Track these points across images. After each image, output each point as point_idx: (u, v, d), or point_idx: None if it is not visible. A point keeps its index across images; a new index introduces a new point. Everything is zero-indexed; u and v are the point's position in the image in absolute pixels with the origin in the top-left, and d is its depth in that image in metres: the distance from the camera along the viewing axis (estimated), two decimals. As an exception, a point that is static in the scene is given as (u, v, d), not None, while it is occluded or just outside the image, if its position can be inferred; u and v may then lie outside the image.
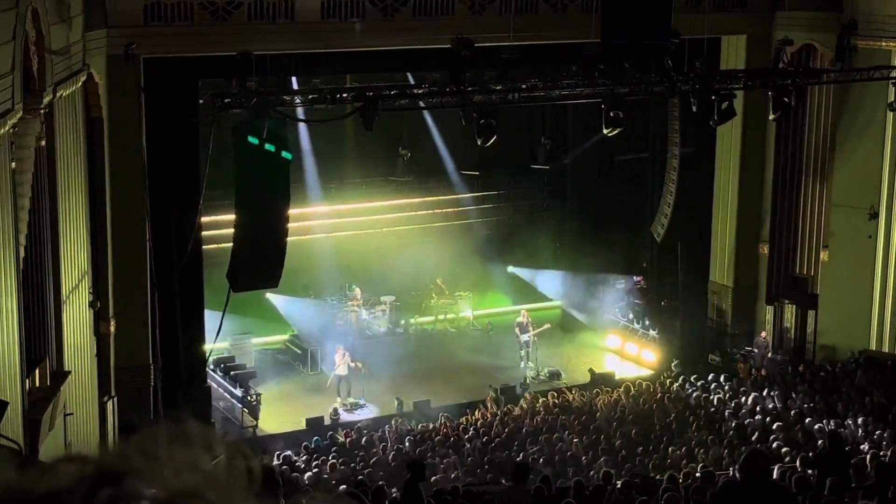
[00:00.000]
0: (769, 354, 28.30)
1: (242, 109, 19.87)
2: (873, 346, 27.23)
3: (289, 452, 22.18)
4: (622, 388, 25.59)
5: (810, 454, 17.44)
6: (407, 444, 22.04)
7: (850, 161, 27.43)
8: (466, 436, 22.49)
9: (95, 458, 1.21)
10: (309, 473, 18.99)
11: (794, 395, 24.03)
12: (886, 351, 26.99)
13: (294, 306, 30.02)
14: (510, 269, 33.00)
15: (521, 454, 20.32)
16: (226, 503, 1.22)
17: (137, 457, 1.21)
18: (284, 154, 20.32)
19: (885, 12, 25.92)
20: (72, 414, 18.29)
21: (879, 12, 25.96)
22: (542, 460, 19.98)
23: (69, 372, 18.27)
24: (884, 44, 25.99)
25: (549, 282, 32.73)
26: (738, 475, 9.14)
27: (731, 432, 21.41)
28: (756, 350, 28.35)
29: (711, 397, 24.48)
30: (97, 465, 1.20)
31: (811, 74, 26.00)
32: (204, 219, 23.70)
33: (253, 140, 19.83)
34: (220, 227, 25.61)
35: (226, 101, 19.75)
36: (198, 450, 1.36)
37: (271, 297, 29.28)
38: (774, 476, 12.78)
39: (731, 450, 19.75)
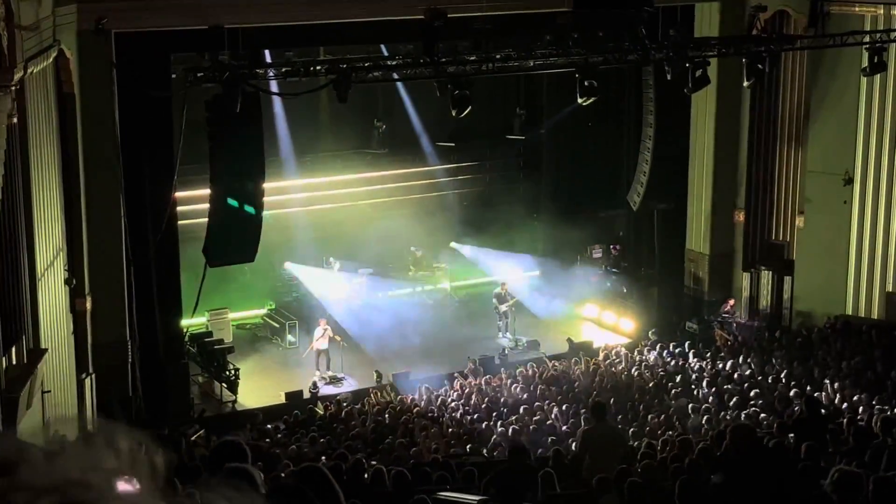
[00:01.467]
0: (738, 320, 28.43)
1: (215, 83, 19.74)
2: (849, 312, 27.39)
3: (269, 426, 22.20)
4: (600, 357, 25.68)
5: (787, 419, 17.54)
6: (387, 416, 22.07)
7: (825, 127, 27.50)
8: (446, 407, 22.53)
9: None
10: (291, 447, 19.00)
11: (771, 362, 24.15)
12: (862, 316, 27.15)
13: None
14: (479, 249, 32.80)
15: (505, 426, 20.38)
16: (115, 495, 1.21)
17: (34, 450, 1.19)
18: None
19: (858, -23, 25.94)
20: (49, 392, 18.23)
21: (852, -22, 25.97)
22: (520, 430, 20.03)
23: (46, 349, 18.21)
24: (857, 9, 26.01)
25: (526, 251, 32.72)
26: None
27: (710, 399, 21.51)
28: (729, 316, 28.46)
29: (689, 364, 24.59)
30: None
31: (785, 41, 25.99)
32: (178, 194, 23.59)
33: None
34: (195, 202, 25.50)
35: (198, 75, 19.62)
36: (98, 445, 1.34)
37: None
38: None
39: (710, 417, 19.84)
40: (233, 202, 21.09)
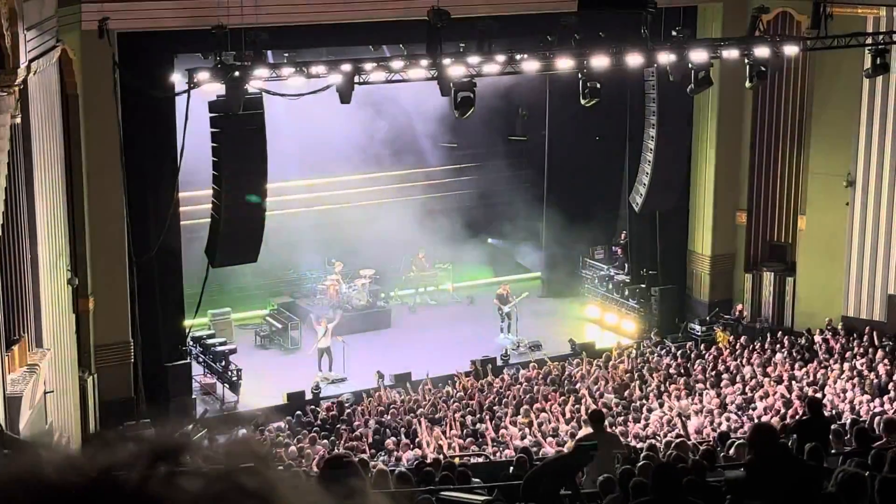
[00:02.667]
0: (746, 323, 28.44)
1: (218, 84, 19.75)
2: (851, 313, 27.39)
3: (275, 425, 22.20)
4: (602, 358, 25.68)
5: (790, 421, 17.55)
6: (389, 416, 22.08)
7: (827, 129, 27.50)
8: (448, 407, 22.53)
9: (152, 436, 1.22)
10: (292, 448, 19.02)
11: (772, 363, 24.16)
12: (864, 317, 27.15)
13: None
14: (489, 240, 32.95)
15: (507, 427, 20.40)
16: (282, 481, 1.24)
17: (191, 435, 1.22)
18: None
19: (861, -21, 25.95)
20: (52, 392, 18.25)
21: (855, -21, 25.98)
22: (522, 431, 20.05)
23: (48, 350, 18.23)
24: (859, 10, 26.02)
25: (529, 253, 32.72)
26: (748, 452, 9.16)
27: (712, 401, 21.52)
28: (733, 319, 28.48)
29: (691, 366, 24.59)
30: (154, 441, 1.20)
31: (787, 42, 25.97)
32: (181, 194, 23.60)
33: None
34: (197, 203, 25.48)
35: (202, 75, 19.63)
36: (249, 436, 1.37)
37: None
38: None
39: (712, 419, 19.86)
40: (235, 202, 21.07)
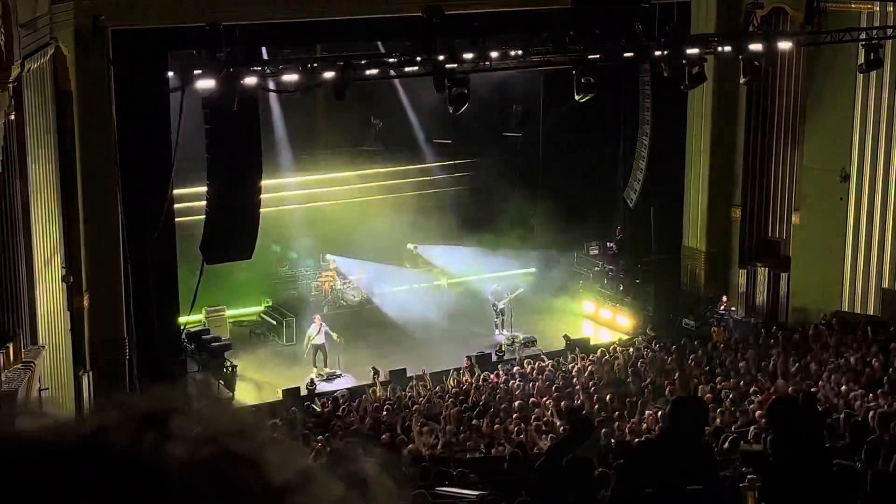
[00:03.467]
0: (734, 316, 28.49)
1: (212, 80, 19.75)
2: (845, 307, 27.44)
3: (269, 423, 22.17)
4: (597, 354, 25.69)
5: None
6: (384, 413, 22.09)
7: (822, 124, 27.53)
8: (443, 403, 22.54)
9: (139, 401, 1.22)
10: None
11: (767, 358, 24.19)
12: (858, 311, 27.20)
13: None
14: (476, 246, 32.78)
15: (503, 424, 20.40)
16: (272, 444, 1.25)
17: (179, 399, 1.23)
18: None
19: (854, -26, 25.98)
20: (47, 389, 18.24)
21: (848, -26, 26.01)
22: (517, 427, 20.06)
23: (43, 347, 18.22)
24: (853, 6, 26.05)
25: (522, 248, 32.73)
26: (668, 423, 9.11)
27: (707, 395, 21.54)
28: (725, 312, 28.52)
29: (686, 361, 24.61)
30: (141, 407, 1.21)
31: (781, 37, 26.01)
32: (176, 191, 23.61)
33: None
34: (192, 200, 25.49)
35: (196, 72, 19.63)
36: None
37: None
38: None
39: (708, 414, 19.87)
40: (230, 199, 21.03)
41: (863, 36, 24.59)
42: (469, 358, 25.92)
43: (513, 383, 23.63)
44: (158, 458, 1.15)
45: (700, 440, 8.56)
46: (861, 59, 24.64)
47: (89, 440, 1.16)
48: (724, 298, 28.86)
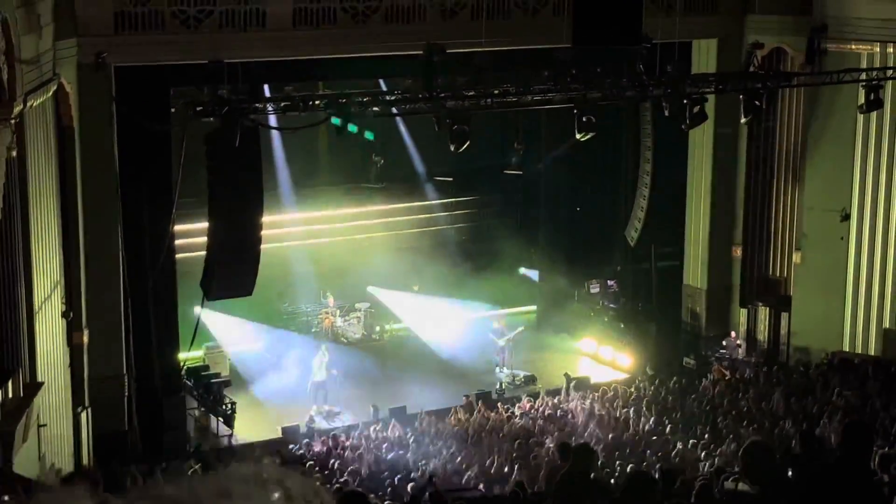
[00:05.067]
0: (741, 355, 28.43)
1: (214, 117, 19.76)
2: (846, 348, 27.37)
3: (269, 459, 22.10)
4: (598, 393, 25.61)
5: (785, 455, 17.48)
6: (384, 450, 22.01)
7: (822, 163, 27.57)
8: (443, 441, 22.45)
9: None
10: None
11: (768, 397, 24.10)
12: (859, 352, 27.13)
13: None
14: (477, 283, 32.72)
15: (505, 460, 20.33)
16: None
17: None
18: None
19: (854, 15, 26.08)
20: (45, 425, 18.19)
21: (848, 15, 26.11)
22: (517, 466, 19.98)
23: (42, 383, 18.18)
24: (853, 46, 26.14)
25: (524, 286, 32.70)
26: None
27: (707, 435, 21.46)
28: (727, 351, 28.47)
29: (686, 400, 24.53)
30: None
31: (782, 77, 26.10)
32: (177, 227, 23.60)
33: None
34: (193, 236, 25.49)
35: (198, 109, 19.64)
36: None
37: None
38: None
39: (708, 453, 19.79)
40: (230, 235, 21.01)
41: (863, 76, 24.64)
42: (467, 396, 25.85)
43: (514, 421, 23.55)
44: None
45: (869, 466, 8.54)
46: (861, 100, 24.69)
47: None
48: (733, 335, 28.84)
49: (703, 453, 19.70)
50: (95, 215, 22.08)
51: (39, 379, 18.17)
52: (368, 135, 20.02)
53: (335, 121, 20.04)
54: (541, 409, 24.56)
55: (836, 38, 26.05)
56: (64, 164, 21.04)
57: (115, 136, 22.24)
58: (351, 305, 30.70)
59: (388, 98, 21.88)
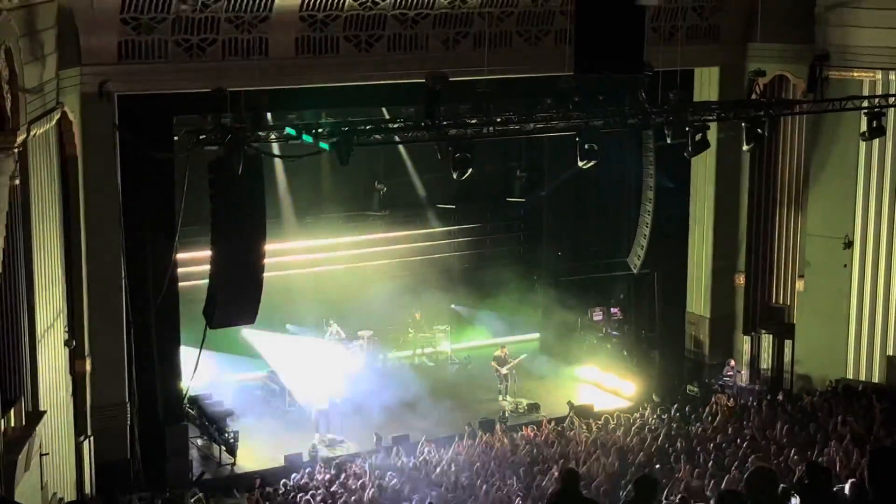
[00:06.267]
0: (742, 382, 28.40)
1: (217, 146, 19.78)
2: (850, 375, 27.33)
3: (269, 489, 22.06)
4: (601, 421, 25.55)
5: (790, 484, 17.41)
6: (387, 479, 21.94)
7: (825, 191, 27.59)
8: (444, 471, 22.38)
9: None
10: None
11: (772, 425, 24.03)
12: (863, 379, 27.08)
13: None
14: (480, 311, 32.66)
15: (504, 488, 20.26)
16: None
17: None
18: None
19: (856, 43, 26.15)
20: (47, 454, 18.14)
21: (850, 43, 26.18)
22: (520, 495, 19.92)
23: (44, 412, 18.14)
24: (855, 74, 26.20)
25: (526, 314, 32.65)
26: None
27: (711, 464, 21.38)
28: (729, 378, 28.43)
29: (690, 428, 24.46)
30: None
31: (784, 105, 26.12)
32: (180, 255, 23.62)
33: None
34: (196, 264, 25.48)
35: (201, 137, 19.67)
36: None
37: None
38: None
39: (710, 481, 19.72)
40: (233, 263, 20.99)
41: (865, 104, 24.69)
42: (469, 425, 25.76)
43: (517, 449, 23.48)
44: None
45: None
46: (864, 127, 24.72)
47: None
48: (731, 363, 28.81)
49: (710, 482, 19.62)
50: (98, 244, 22.09)
51: (42, 408, 18.13)
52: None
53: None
54: (544, 437, 24.48)
55: (837, 66, 26.11)
56: (67, 193, 21.06)
57: (119, 165, 22.28)
58: (353, 333, 30.65)
59: (390, 126, 21.91)
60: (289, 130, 19.95)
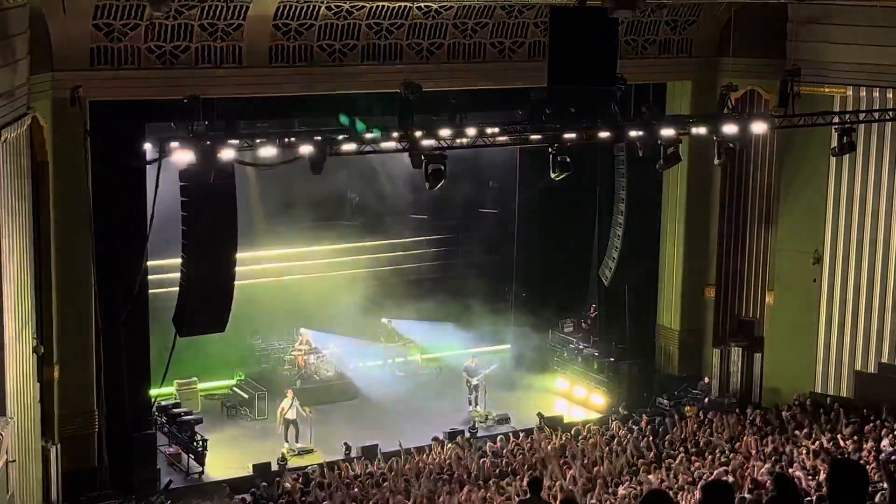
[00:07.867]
0: (713, 396, 28.49)
1: (189, 153, 19.73)
2: (818, 389, 27.48)
3: (236, 499, 21.98)
4: (571, 432, 25.58)
5: (759, 497, 17.50)
6: (355, 488, 21.90)
7: (795, 206, 27.75)
8: (414, 480, 22.36)
9: None
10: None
11: (741, 438, 24.14)
12: (831, 393, 27.22)
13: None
14: (451, 321, 32.55)
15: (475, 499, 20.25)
16: None
17: None
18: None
19: (827, 59, 26.34)
20: (14, 461, 18.02)
21: (822, 59, 26.37)
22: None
23: (12, 418, 18.02)
24: (826, 90, 26.38)
25: (497, 324, 32.64)
26: None
27: (680, 476, 21.45)
28: (701, 393, 28.54)
29: (660, 441, 24.53)
30: None
31: (755, 120, 26.24)
32: (150, 263, 23.51)
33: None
34: (166, 271, 25.38)
35: (172, 144, 19.62)
36: None
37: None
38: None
39: (683, 493, 19.78)
40: (204, 271, 20.92)
41: (836, 120, 24.85)
42: (436, 438, 25.71)
43: (485, 460, 23.48)
44: None
45: None
46: (834, 143, 24.88)
47: None
48: (706, 380, 28.95)
49: (678, 495, 19.68)
50: (68, 250, 21.98)
51: (9, 414, 18.01)
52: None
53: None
54: (513, 448, 24.48)
55: (808, 81, 26.25)
56: (37, 199, 20.96)
57: (90, 171, 22.17)
58: (324, 343, 30.58)
59: (364, 136, 21.90)
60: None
